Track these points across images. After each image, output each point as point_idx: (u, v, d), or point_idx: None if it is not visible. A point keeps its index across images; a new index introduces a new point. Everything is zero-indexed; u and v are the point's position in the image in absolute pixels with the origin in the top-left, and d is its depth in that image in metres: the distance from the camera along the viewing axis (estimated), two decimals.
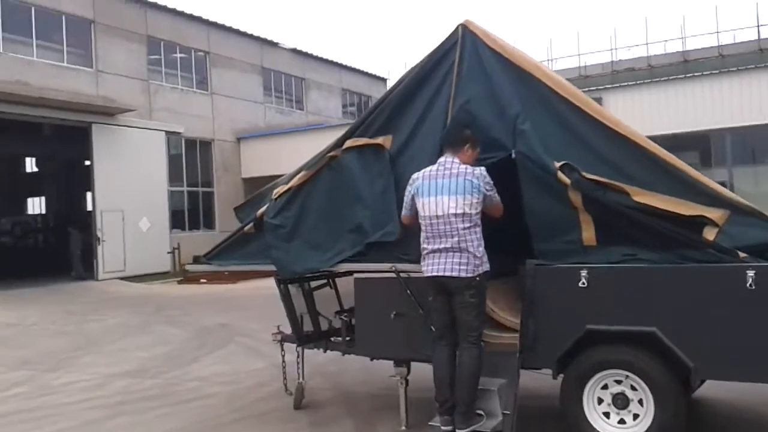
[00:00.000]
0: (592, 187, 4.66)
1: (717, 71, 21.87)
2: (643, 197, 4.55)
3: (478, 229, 4.87)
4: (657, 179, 4.61)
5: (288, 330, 6.71)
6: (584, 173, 4.71)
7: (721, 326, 4.28)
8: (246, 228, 6.24)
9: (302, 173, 5.95)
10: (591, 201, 4.68)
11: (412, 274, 5.31)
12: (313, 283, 6.48)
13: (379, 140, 5.60)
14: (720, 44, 31.84)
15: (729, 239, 4.33)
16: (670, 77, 22.85)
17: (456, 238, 4.82)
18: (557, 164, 4.76)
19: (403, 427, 5.58)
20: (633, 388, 4.62)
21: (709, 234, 4.37)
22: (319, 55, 33.01)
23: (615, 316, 4.60)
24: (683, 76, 22.51)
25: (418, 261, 5.27)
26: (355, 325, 5.75)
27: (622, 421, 4.66)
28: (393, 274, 5.36)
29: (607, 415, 4.70)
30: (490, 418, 4.77)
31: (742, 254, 4.28)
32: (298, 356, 6.66)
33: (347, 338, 6.05)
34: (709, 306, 4.33)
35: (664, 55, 33.44)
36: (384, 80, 36.65)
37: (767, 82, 19.82)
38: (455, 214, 4.82)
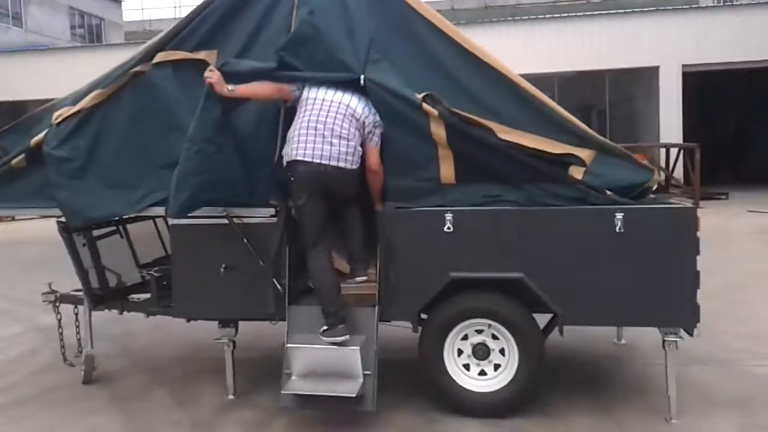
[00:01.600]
0: (456, 121, 4.22)
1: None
2: (509, 135, 4.23)
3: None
4: (524, 116, 4.32)
5: (63, 288, 5.49)
6: (449, 107, 4.25)
7: (589, 270, 4.17)
8: (14, 161, 4.82)
9: (96, 92, 4.70)
10: (454, 136, 4.25)
11: (248, 220, 4.50)
12: (96, 231, 5.29)
13: (202, 55, 4.58)
14: None
15: (596, 179, 4.20)
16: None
17: (346, 130, 4.25)
18: (419, 95, 4.24)
19: (231, 396, 4.83)
20: (494, 338, 4.39)
21: (576, 173, 4.20)
22: None
23: (480, 262, 4.29)
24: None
25: (255, 204, 4.47)
26: (172, 280, 4.75)
27: (482, 372, 4.42)
28: (221, 220, 4.49)
29: (467, 367, 4.43)
30: (350, 380, 4.22)
31: (608, 192, 4.18)
32: (76, 320, 5.49)
33: (158, 297, 5.02)
34: (577, 250, 4.19)
35: None
36: (119, 2, 32.90)
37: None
38: (354, 113, 4.28)
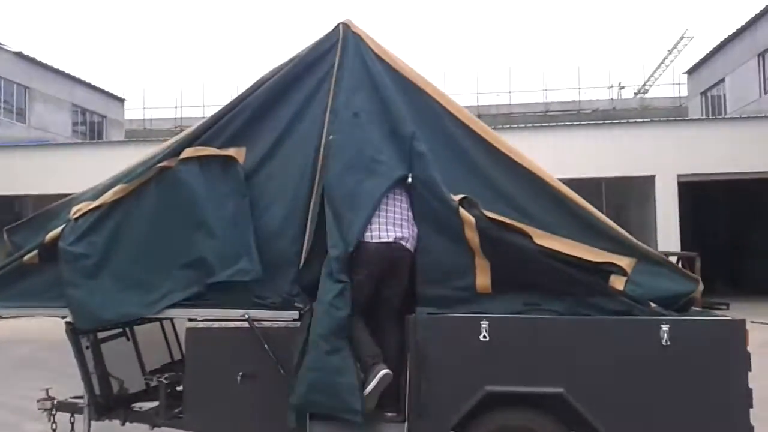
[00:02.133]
0: (491, 227, 4.09)
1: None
2: (546, 240, 4.10)
3: None
4: (561, 221, 4.21)
5: (58, 394, 5.14)
6: (484, 211, 4.14)
7: (634, 386, 3.93)
8: (26, 257, 4.61)
9: (119, 187, 4.56)
10: (489, 243, 4.11)
11: (270, 324, 4.26)
12: (101, 333, 5.00)
13: (230, 152, 4.48)
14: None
15: (638, 289, 4.04)
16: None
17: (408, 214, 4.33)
18: (456, 198, 4.13)
19: None
20: None
21: (618, 283, 4.04)
22: (49, 63, 29.16)
23: (518, 374, 4.04)
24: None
25: (279, 307, 4.25)
26: (184, 388, 4.44)
27: None
28: (241, 323, 4.26)
29: None
30: None
31: (652, 304, 4.00)
32: (72, 431, 5.10)
33: (166, 407, 4.67)
34: (620, 363, 3.95)
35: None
36: (122, 101, 33.56)
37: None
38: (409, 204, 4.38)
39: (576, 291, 4.07)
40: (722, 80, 26.72)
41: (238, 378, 4.26)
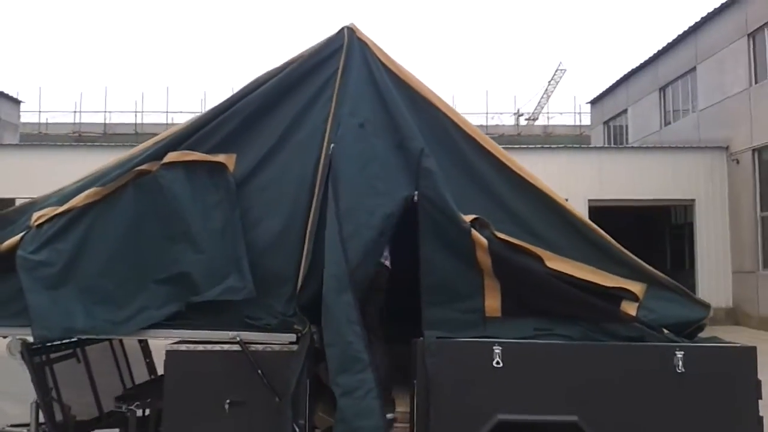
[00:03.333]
0: (503, 249, 3.92)
1: None
2: (558, 263, 3.98)
3: None
4: (572, 244, 4.09)
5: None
6: (495, 232, 3.97)
7: (648, 413, 3.84)
8: None
9: (92, 190, 4.07)
10: (500, 265, 3.94)
11: (263, 347, 3.90)
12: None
13: (220, 158, 4.09)
14: None
15: (650, 315, 3.97)
16: None
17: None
18: (468, 218, 3.93)
19: None
20: None
21: (630, 308, 3.97)
22: None
23: (532, 402, 3.87)
24: None
25: (274, 329, 3.90)
26: (164, 418, 3.97)
27: None
28: (229, 346, 3.89)
29: None
30: None
31: (665, 331, 3.95)
32: None
33: None
34: (634, 390, 3.86)
35: None
36: (18, 102, 31.31)
37: None
38: None
39: (588, 316, 3.96)
40: (625, 111, 28.11)
41: (226, 406, 3.86)
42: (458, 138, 4.18)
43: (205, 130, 4.13)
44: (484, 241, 3.88)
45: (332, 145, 4.06)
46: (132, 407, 4.16)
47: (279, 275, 3.98)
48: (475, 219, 3.95)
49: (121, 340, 5.10)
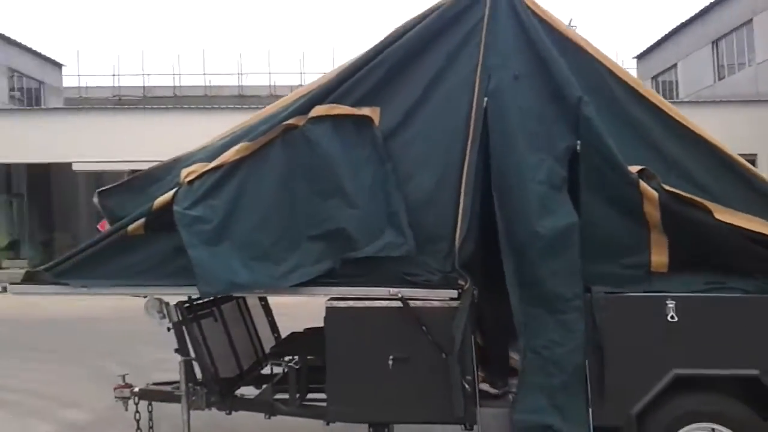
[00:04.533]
0: (672, 201, 3.72)
1: None
2: (727, 216, 3.77)
3: None
4: (740, 195, 3.87)
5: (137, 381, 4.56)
6: (663, 184, 3.76)
7: None
8: (130, 227, 3.93)
9: (241, 145, 3.96)
10: (668, 218, 3.74)
11: (423, 303, 3.78)
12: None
13: (365, 111, 3.93)
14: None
15: None
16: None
17: None
18: (634, 168, 3.73)
19: None
20: None
21: None
22: None
23: (708, 356, 3.71)
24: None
25: (435, 285, 3.78)
26: (328, 375, 3.89)
27: None
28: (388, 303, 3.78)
29: None
30: None
31: None
32: (150, 422, 4.53)
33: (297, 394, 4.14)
34: None
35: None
36: (60, 66, 31.45)
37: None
38: None
39: (763, 269, 3.77)
40: (674, 66, 27.42)
41: (390, 362, 3.77)
42: (614, 85, 3.95)
43: (349, 83, 3.98)
44: (654, 193, 3.68)
45: (485, 98, 3.86)
46: (291, 364, 4.09)
47: (433, 232, 3.86)
48: (641, 170, 3.75)
49: (245, 300, 5.06)
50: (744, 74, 23.10)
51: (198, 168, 3.95)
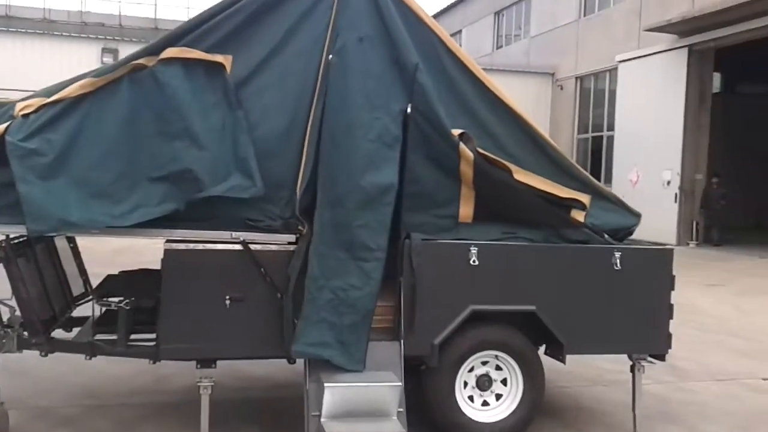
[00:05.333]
0: (482, 162, 4.36)
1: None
2: (523, 176, 4.49)
3: None
4: (536, 161, 4.58)
5: None
6: (477, 147, 4.38)
7: (589, 303, 4.57)
8: None
9: (85, 80, 3.89)
10: (479, 177, 4.37)
11: (263, 247, 4.09)
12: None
13: (218, 58, 4.05)
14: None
15: (593, 221, 4.64)
16: None
17: None
18: (456, 132, 4.30)
19: None
20: (497, 368, 4.54)
21: (578, 216, 4.60)
22: None
23: (498, 295, 4.44)
24: None
25: (276, 230, 4.09)
26: (161, 315, 4.02)
27: (485, 403, 4.54)
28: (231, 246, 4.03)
29: (471, 398, 4.51)
30: (386, 419, 4.02)
31: (606, 235, 4.66)
32: None
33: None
34: (579, 283, 4.56)
35: None
36: None
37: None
38: None
39: (547, 222, 4.55)
40: (459, 32, 29.36)
41: (227, 302, 4.01)
42: (445, 57, 4.44)
43: (203, 28, 4.05)
44: (470, 154, 4.26)
45: (331, 56, 4.17)
46: (121, 304, 4.13)
47: (278, 180, 4.11)
48: (461, 134, 4.31)
49: (53, 241, 4.93)
50: (519, 45, 25.48)
51: (35, 102, 3.82)
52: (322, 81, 4.16)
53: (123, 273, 5.06)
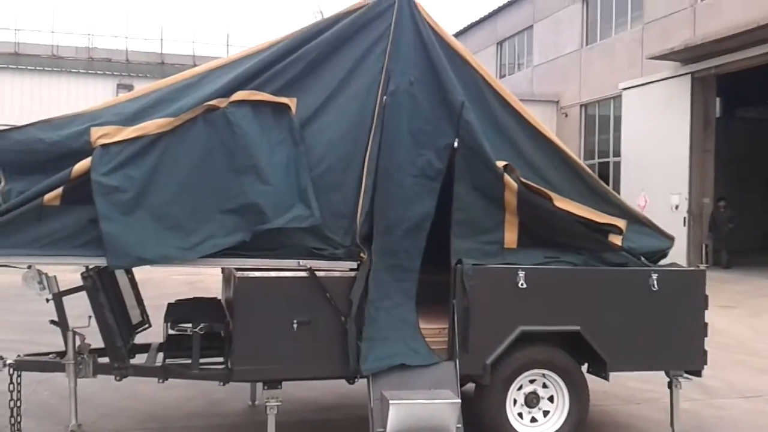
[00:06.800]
0: (524, 190, 4.66)
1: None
2: (563, 203, 4.78)
3: None
4: (573, 187, 4.89)
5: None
6: (520, 177, 4.69)
7: (629, 323, 4.84)
8: (46, 197, 4.00)
9: (163, 120, 4.19)
10: (521, 204, 4.67)
11: (326, 273, 4.37)
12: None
13: (284, 100, 4.38)
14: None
15: (630, 245, 4.93)
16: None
17: None
18: (501, 164, 4.61)
19: None
20: (544, 386, 4.79)
21: (616, 240, 4.90)
22: None
23: (545, 316, 4.71)
24: None
25: (339, 258, 4.37)
26: (234, 338, 4.29)
27: (533, 420, 4.78)
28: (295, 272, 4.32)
29: (520, 415, 4.75)
30: None
31: (642, 258, 4.95)
32: (18, 391, 4.58)
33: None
34: (620, 304, 4.83)
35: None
36: None
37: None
38: None
39: (587, 246, 4.85)
40: None
41: (294, 326, 4.28)
42: (488, 94, 4.77)
43: (269, 73, 4.39)
44: (514, 184, 4.57)
45: (385, 97, 4.50)
46: (197, 330, 4.38)
47: (339, 210, 4.41)
48: (505, 165, 4.62)
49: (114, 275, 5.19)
50: (522, 74, 25.99)
51: (112, 131, 4.12)
52: (378, 120, 4.49)
53: (181, 301, 5.33)
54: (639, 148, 19.09)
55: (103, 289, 4.41)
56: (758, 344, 9.32)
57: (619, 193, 20.13)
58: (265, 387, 4.42)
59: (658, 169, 18.23)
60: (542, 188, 4.74)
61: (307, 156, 4.37)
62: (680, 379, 5.06)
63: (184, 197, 4.21)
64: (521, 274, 4.62)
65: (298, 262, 4.31)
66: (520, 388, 4.74)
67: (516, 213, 4.68)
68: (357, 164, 4.47)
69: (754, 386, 7.01)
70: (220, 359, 4.60)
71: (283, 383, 4.44)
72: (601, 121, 22.12)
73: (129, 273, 5.45)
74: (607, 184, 21.30)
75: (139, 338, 5.14)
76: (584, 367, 4.97)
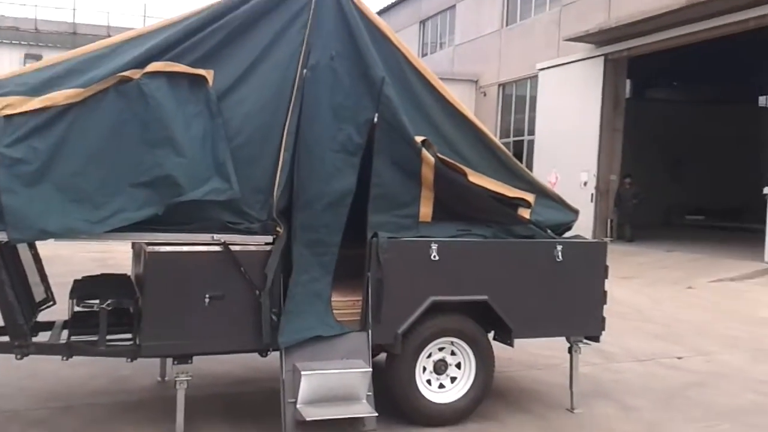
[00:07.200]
0: (441, 166, 4.79)
1: None
2: (476, 178, 4.96)
3: None
4: (487, 163, 5.06)
5: None
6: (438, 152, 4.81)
7: (535, 292, 5.09)
8: None
9: (73, 91, 4.06)
10: (437, 179, 4.81)
11: (242, 248, 4.39)
12: None
13: (201, 72, 4.33)
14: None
15: (537, 218, 5.17)
16: None
17: None
18: (419, 139, 4.72)
19: None
20: (452, 353, 4.99)
21: (525, 213, 5.13)
22: None
23: (455, 287, 4.88)
24: None
25: (255, 232, 4.41)
26: (143, 314, 4.24)
27: (441, 386, 4.98)
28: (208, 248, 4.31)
29: (429, 382, 4.93)
30: (358, 402, 4.39)
31: (548, 231, 5.20)
32: None
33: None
34: (526, 274, 5.07)
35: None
36: None
37: None
38: None
39: (497, 220, 5.05)
40: None
41: (206, 300, 4.28)
42: (408, 71, 4.85)
43: (186, 44, 4.31)
44: (432, 159, 4.69)
45: (305, 70, 4.52)
46: (104, 306, 4.30)
47: (256, 184, 4.40)
48: (423, 140, 4.73)
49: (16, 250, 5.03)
50: (444, 53, 26.26)
51: (17, 102, 3.97)
52: (297, 93, 4.51)
53: (88, 278, 5.21)
54: (552, 127, 19.72)
55: (3, 264, 4.23)
56: (654, 312, 9.94)
57: (531, 170, 20.84)
58: (175, 362, 4.39)
59: (570, 148, 18.91)
60: (458, 163, 4.89)
61: (225, 128, 4.35)
62: (580, 345, 5.37)
63: (94, 170, 4.10)
64: (434, 246, 4.77)
65: (212, 237, 4.30)
66: (429, 356, 4.91)
67: (432, 187, 4.81)
68: (275, 137, 4.47)
69: (649, 351, 7.51)
70: (129, 336, 4.54)
71: (194, 358, 4.41)
72: (518, 100, 22.68)
73: (32, 248, 5.25)
74: (521, 161, 21.96)
75: (44, 316, 5.00)
76: (491, 335, 5.20)
